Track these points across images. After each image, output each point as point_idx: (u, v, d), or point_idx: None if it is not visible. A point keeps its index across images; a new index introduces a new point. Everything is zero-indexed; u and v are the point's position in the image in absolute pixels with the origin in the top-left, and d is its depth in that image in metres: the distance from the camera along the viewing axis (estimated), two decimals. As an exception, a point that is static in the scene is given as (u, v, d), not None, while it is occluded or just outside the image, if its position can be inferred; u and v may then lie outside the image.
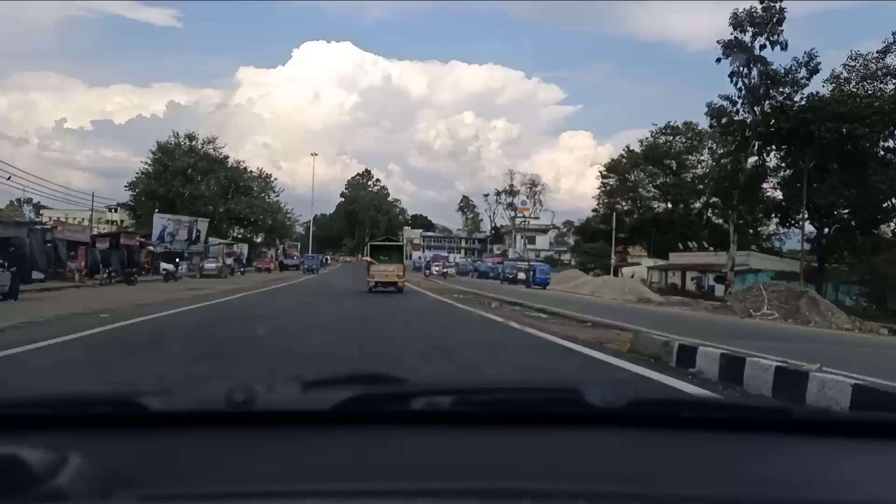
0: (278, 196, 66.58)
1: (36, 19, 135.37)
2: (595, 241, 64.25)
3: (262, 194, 64.00)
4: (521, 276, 42.17)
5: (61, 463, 0.79)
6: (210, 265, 35.37)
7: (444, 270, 53.71)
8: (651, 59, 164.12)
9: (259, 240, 66.54)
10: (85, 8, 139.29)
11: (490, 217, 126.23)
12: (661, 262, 55.34)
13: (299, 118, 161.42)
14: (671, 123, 65.40)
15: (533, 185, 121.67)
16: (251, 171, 63.62)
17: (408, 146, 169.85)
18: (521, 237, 79.78)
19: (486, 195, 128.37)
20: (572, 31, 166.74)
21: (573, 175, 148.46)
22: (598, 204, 70.62)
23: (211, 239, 52.25)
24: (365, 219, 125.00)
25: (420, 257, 75.59)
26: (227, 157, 59.65)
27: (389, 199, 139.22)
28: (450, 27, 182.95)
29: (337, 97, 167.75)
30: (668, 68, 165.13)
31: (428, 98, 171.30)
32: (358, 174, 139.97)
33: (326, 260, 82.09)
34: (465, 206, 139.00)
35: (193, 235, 44.42)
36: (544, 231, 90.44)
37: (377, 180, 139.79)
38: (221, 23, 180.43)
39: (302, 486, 0.85)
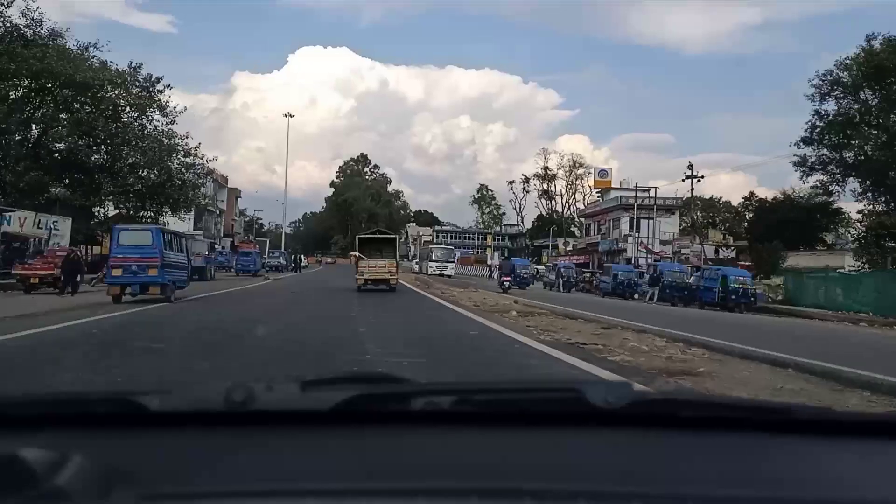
0: (174, 123, 31.75)
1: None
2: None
3: (136, 116, 30.16)
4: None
5: (61, 462, 0.78)
6: None
7: None
8: (648, 62, 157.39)
9: (125, 210, 31.21)
10: (80, 13, 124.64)
11: (516, 209, 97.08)
12: None
13: (294, 122, 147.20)
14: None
15: (574, 165, 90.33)
16: (118, 68, 29.63)
17: (403, 150, 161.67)
18: (640, 220, 47.90)
19: (511, 182, 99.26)
20: (569, 36, 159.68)
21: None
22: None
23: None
24: (360, 211, 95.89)
25: (501, 264, 40.63)
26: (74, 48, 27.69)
27: (390, 189, 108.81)
28: (446, 32, 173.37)
29: (333, 101, 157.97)
30: (664, 72, 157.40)
31: (424, 102, 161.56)
32: (352, 159, 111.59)
33: (300, 260, 55.00)
34: (482, 197, 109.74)
35: None
36: (671, 210, 52.42)
37: (375, 166, 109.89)
38: (217, 28, 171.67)
39: (301, 485, 0.86)
